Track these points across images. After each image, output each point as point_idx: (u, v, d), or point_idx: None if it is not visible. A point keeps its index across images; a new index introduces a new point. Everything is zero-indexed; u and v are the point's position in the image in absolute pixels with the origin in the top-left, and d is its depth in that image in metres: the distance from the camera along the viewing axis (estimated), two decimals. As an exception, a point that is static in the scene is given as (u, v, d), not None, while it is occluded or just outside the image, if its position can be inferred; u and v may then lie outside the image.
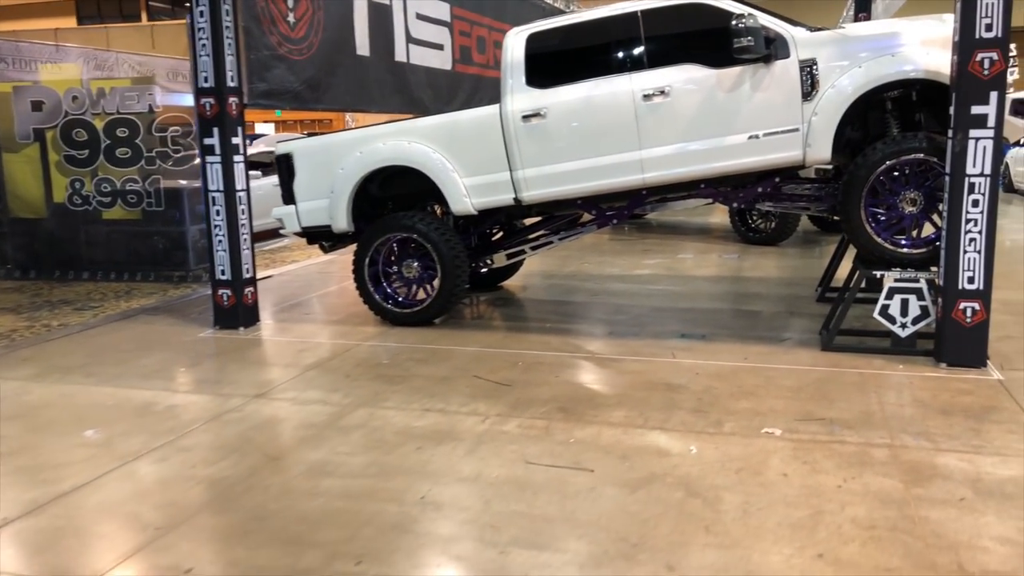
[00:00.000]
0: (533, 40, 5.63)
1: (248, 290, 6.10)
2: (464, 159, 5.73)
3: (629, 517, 3.01)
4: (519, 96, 5.58)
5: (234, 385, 4.75)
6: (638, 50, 5.39)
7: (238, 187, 5.95)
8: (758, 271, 7.93)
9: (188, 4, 5.85)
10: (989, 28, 4.29)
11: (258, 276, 8.11)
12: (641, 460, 3.50)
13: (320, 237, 6.38)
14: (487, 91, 9.59)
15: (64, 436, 3.99)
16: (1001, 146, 4.43)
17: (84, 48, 10.39)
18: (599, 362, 5.04)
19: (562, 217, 6.25)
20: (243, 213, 6.01)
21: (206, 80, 5.82)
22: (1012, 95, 14.44)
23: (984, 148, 4.37)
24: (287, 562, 2.79)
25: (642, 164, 5.36)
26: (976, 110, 4.35)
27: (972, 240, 4.46)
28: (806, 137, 5.04)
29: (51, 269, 8.58)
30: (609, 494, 3.20)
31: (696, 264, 8.44)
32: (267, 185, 9.27)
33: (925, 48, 4.83)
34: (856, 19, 9.25)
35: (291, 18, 6.54)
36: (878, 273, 4.96)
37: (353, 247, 6.14)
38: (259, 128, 25.48)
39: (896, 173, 4.96)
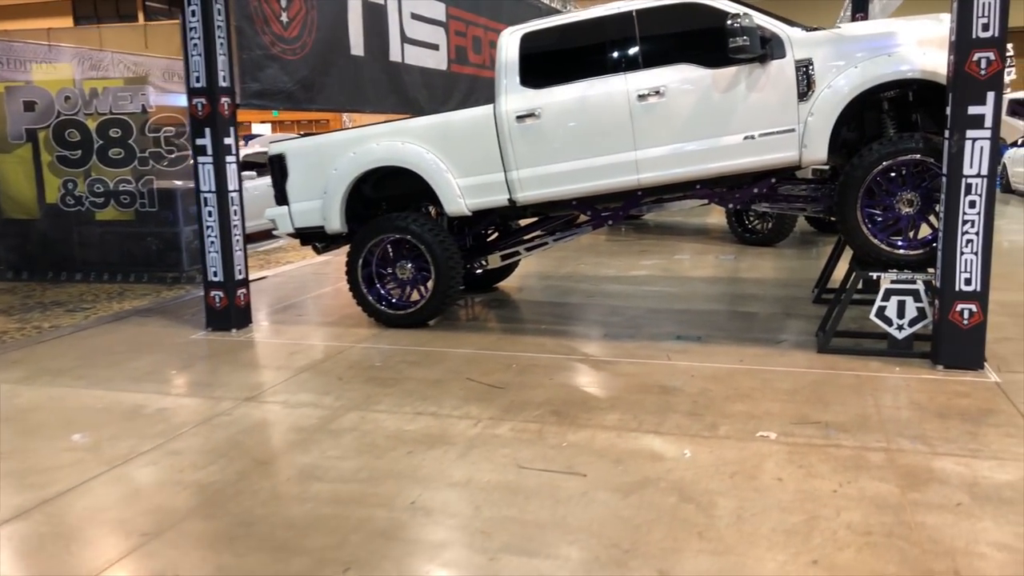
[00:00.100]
0: (527, 40, 5.59)
1: (240, 292, 6.06)
2: (458, 160, 5.69)
3: (622, 523, 2.97)
4: (513, 96, 5.54)
5: (225, 388, 4.70)
6: (633, 50, 5.35)
7: (230, 188, 5.91)
8: (755, 272, 7.90)
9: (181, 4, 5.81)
10: (986, 28, 4.26)
11: (252, 277, 8.09)
12: (635, 464, 3.46)
13: (313, 238, 6.33)
14: (483, 91, 9.55)
15: (52, 440, 3.95)
16: (998, 147, 4.40)
17: (80, 48, 10.33)
18: (594, 364, 5.00)
19: (557, 218, 6.21)
20: (235, 214, 5.97)
21: (198, 80, 5.78)
22: (1009, 95, 14.44)
23: (981, 149, 4.33)
24: (274, 569, 2.75)
25: (637, 165, 5.32)
26: (973, 110, 4.31)
27: (969, 241, 4.43)
28: (802, 138, 5.00)
29: (44, 270, 8.53)
30: (602, 499, 3.16)
31: (692, 265, 8.41)
32: (262, 186, 9.22)
33: (922, 48, 4.80)
34: (853, 19, 9.24)
35: (284, 18, 6.50)
36: (874, 274, 4.93)
37: (347, 248, 6.10)
38: (256, 128, 25.44)
39: (893, 174, 4.93)
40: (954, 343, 4.55)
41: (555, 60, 5.64)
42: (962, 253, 4.44)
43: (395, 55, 8.28)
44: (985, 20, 4.26)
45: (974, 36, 4.27)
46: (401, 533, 2.95)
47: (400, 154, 5.78)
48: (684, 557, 2.74)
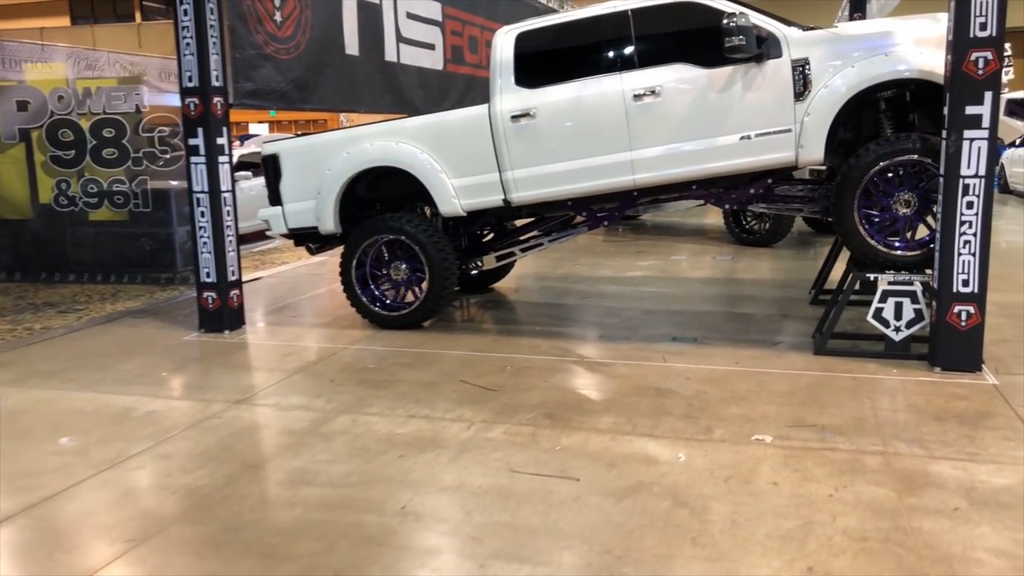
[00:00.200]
0: (522, 39, 5.55)
1: (233, 293, 6.01)
2: (452, 160, 5.65)
3: (614, 528, 2.93)
4: (508, 96, 5.49)
5: (216, 390, 4.66)
6: (628, 49, 5.31)
7: (223, 188, 5.86)
8: (752, 273, 7.86)
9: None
10: (983, 27, 4.22)
11: (247, 278, 8.06)
12: (628, 468, 3.42)
13: (307, 239, 6.29)
14: (479, 91, 9.50)
15: (39, 443, 3.90)
16: (996, 147, 4.36)
17: (75, 48, 10.28)
18: (589, 366, 4.96)
19: (553, 219, 6.17)
20: (228, 215, 5.93)
21: (191, 79, 5.74)
22: (1007, 95, 14.42)
23: (979, 149, 4.30)
24: (260, 576, 2.70)
25: (633, 165, 5.28)
26: (971, 110, 4.27)
27: (967, 242, 4.39)
28: (798, 138, 4.96)
29: (37, 271, 8.48)
30: (594, 504, 3.12)
31: (689, 266, 8.37)
32: (257, 186, 9.18)
33: (919, 47, 4.76)
34: (851, 19, 9.19)
35: (278, 17, 6.45)
36: (872, 276, 4.89)
37: (341, 249, 6.06)
38: (253, 128, 25.38)
39: (890, 174, 4.89)
40: (952, 345, 4.51)
41: (550, 60, 5.60)
42: (960, 254, 4.41)
43: (390, 55, 8.23)
44: (983, 19, 4.22)
45: (972, 35, 4.23)
46: (390, 539, 2.91)
47: (394, 154, 5.74)
48: (677, 564, 2.70)
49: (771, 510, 3.02)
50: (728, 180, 5.37)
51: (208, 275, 5.93)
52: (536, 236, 6.19)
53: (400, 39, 8.41)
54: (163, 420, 4.17)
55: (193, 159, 5.81)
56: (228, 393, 4.58)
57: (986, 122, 4.27)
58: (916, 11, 5.32)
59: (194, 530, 3.02)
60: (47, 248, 8.45)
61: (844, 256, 5.73)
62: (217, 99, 5.79)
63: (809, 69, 4.90)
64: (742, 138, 5.06)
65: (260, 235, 9.37)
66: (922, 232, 4.98)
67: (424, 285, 5.83)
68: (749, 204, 5.77)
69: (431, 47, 9.09)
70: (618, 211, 5.81)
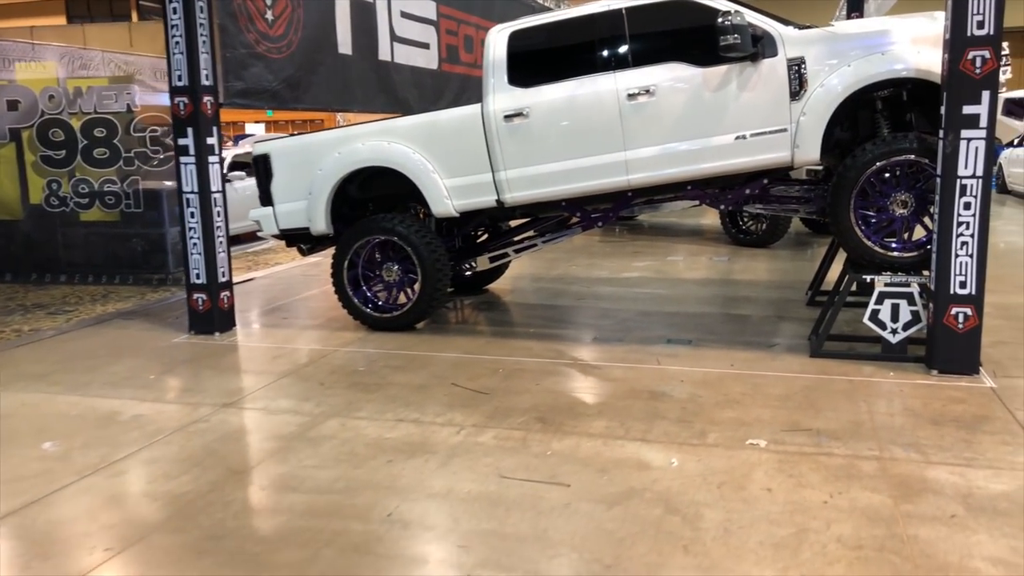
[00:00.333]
0: (516, 38, 5.49)
1: (224, 294, 5.95)
2: (445, 160, 5.59)
3: (605, 536, 2.87)
4: (501, 95, 5.43)
5: (204, 393, 4.59)
6: (623, 48, 5.25)
7: (213, 189, 5.80)
8: (748, 274, 7.80)
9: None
10: (981, 25, 4.17)
11: (240, 279, 8.00)
12: (620, 474, 3.36)
13: (299, 239, 6.23)
14: (475, 91, 9.41)
15: (21, 448, 3.83)
16: (994, 147, 4.31)
17: (69, 47, 10.20)
18: (582, 369, 4.90)
19: (547, 219, 6.11)
20: (218, 215, 5.86)
21: (180, 79, 5.67)
22: (1005, 95, 14.38)
23: (976, 149, 4.24)
24: (242, 586, 2.64)
25: (627, 165, 5.22)
26: (968, 110, 4.22)
27: (964, 244, 4.33)
28: (794, 138, 4.91)
29: (27, 272, 8.40)
30: (585, 510, 3.06)
31: (686, 267, 8.32)
32: (251, 186, 9.09)
33: (916, 46, 4.70)
34: (849, 17, 9.13)
35: (269, 16, 6.39)
36: (868, 277, 4.83)
37: (334, 250, 5.99)
38: (248, 128, 25.31)
39: (886, 174, 4.84)
40: (949, 347, 4.45)
41: (544, 59, 5.54)
42: (957, 256, 4.35)
43: (384, 54, 8.18)
44: (980, 17, 4.16)
45: (969, 34, 4.18)
46: (376, 547, 2.84)
47: (386, 154, 5.68)
48: (668, 573, 2.64)
49: (765, 517, 2.97)
50: (723, 180, 5.32)
51: (198, 276, 5.86)
52: (530, 237, 6.13)
53: (394, 38, 8.35)
54: (149, 424, 4.11)
55: (183, 159, 5.75)
56: (216, 396, 4.52)
57: (983, 122, 4.21)
58: (913, 10, 5.26)
59: (176, 538, 2.96)
60: (38, 249, 8.38)
61: (841, 257, 5.68)
62: (207, 98, 5.73)
63: (805, 68, 4.85)
64: (737, 138, 5.00)
65: (254, 236, 9.31)
66: (919, 233, 4.92)
67: (416, 286, 5.76)
68: (745, 205, 5.71)
69: (426, 46, 9.03)
70: (613, 212, 5.75)
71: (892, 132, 5.00)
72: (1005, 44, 4.49)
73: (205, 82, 5.69)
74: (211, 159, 5.79)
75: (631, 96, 5.13)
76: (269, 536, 2.97)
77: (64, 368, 5.16)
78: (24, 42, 8.46)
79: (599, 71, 5.25)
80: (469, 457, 3.57)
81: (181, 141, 5.74)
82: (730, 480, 3.27)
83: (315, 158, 5.86)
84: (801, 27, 5.06)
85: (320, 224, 5.88)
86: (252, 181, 9.20)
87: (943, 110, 4.29)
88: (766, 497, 3.12)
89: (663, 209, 6.32)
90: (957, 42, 4.20)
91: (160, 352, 5.50)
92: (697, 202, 5.69)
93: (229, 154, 10.87)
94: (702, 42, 4.92)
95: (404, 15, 8.52)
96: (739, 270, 8.01)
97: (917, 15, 4.90)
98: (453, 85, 9.62)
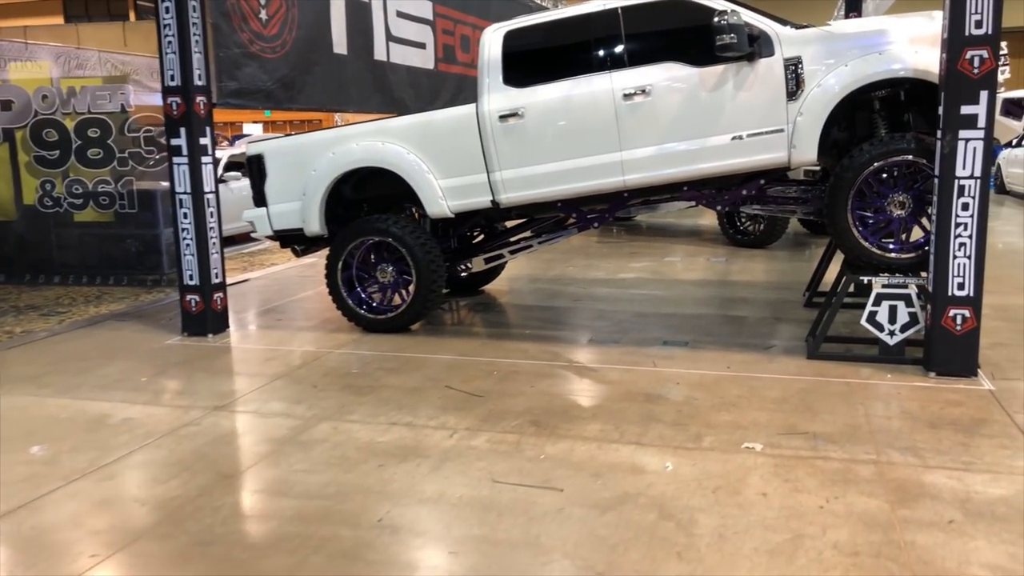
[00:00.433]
0: (511, 38, 5.45)
1: (217, 295, 5.90)
2: (440, 160, 5.54)
3: (597, 542, 2.83)
4: (496, 95, 5.39)
5: (195, 396, 4.55)
6: (618, 48, 5.22)
7: (206, 189, 5.75)
8: (745, 275, 7.77)
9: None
10: (979, 25, 4.13)
11: (235, 280, 7.96)
12: (614, 478, 3.32)
13: (293, 240, 6.19)
14: (471, 91, 9.35)
15: (9, 452, 3.78)
16: (992, 147, 4.27)
17: (65, 47, 10.15)
18: (577, 371, 4.86)
19: (543, 220, 6.07)
20: (211, 216, 5.82)
21: (173, 79, 5.63)
22: (1003, 94, 14.34)
23: (974, 149, 4.20)
24: (228, 593, 2.60)
25: (623, 166, 5.18)
26: (966, 110, 4.18)
27: (962, 245, 4.30)
28: (791, 138, 4.87)
29: (21, 273, 8.35)
30: (578, 516, 3.02)
31: (683, 268, 8.28)
32: (247, 186, 9.03)
33: (913, 46, 4.67)
34: (847, 17, 9.11)
35: (263, 15, 6.34)
36: (865, 278, 4.79)
37: (328, 251, 5.95)
38: (246, 128, 25.25)
39: (884, 175, 4.81)
40: (947, 349, 4.42)
41: (539, 58, 5.50)
42: (955, 257, 4.31)
43: (380, 54, 8.13)
44: (978, 17, 4.13)
45: (967, 33, 4.14)
46: (365, 554, 2.80)
47: (380, 154, 5.63)
48: (661, 580, 2.60)
49: (760, 523, 2.93)
50: (720, 181, 5.28)
51: (191, 278, 5.82)
52: (526, 238, 6.09)
53: (390, 38, 8.31)
54: (139, 427, 4.06)
55: (175, 159, 5.70)
56: (207, 399, 4.47)
57: (982, 122, 4.18)
58: (911, 9, 5.23)
59: (163, 544, 2.92)
60: (31, 250, 8.33)
61: (839, 258, 5.65)
62: (200, 98, 5.68)
63: (802, 68, 4.81)
64: (734, 138, 4.96)
65: (249, 236, 9.26)
66: (917, 234, 4.89)
67: (411, 288, 5.72)
68: (741, 205, 5.68)
69: (422, 46, 8.98)
70: (608, 212, 5.71)
71: (890, 132, 4.96)
72: (1003, 44, 4.44)
73: (198, 82, 5.65)
74: (204, 159, 5.74)
75: (627, 96, 5.09)
76: (257, 542, 2.93)
77: (55, 370, 5.11)
78: (18, 42, 8.41)
79: (595, 71, 5.21)
80: (462, 461, 3.53)
81: (174, 141, 5.69)
82: (725, 485, 3.23)
83: (309, 159, 5.82)
84: (798, 26, 5.02)
85: (314, 225, 5.84)
86: (248, 181, 9.18)
87: (941, 110, 4.26)
88: (761, 502, 3.08)
89: (660, 210, 6.29)
90: (955, 42, 4.17)
91: (152, 354, 5.45)
92: (693, 203, 5.65)
93: (225, 154, 10.83)
94: (698, 42, 4.88)
95: (400, 15, 8.47)
96: (736, 271, 7.97)
97: (915, 15, 4.86)
98: (450, 85, 9.57)
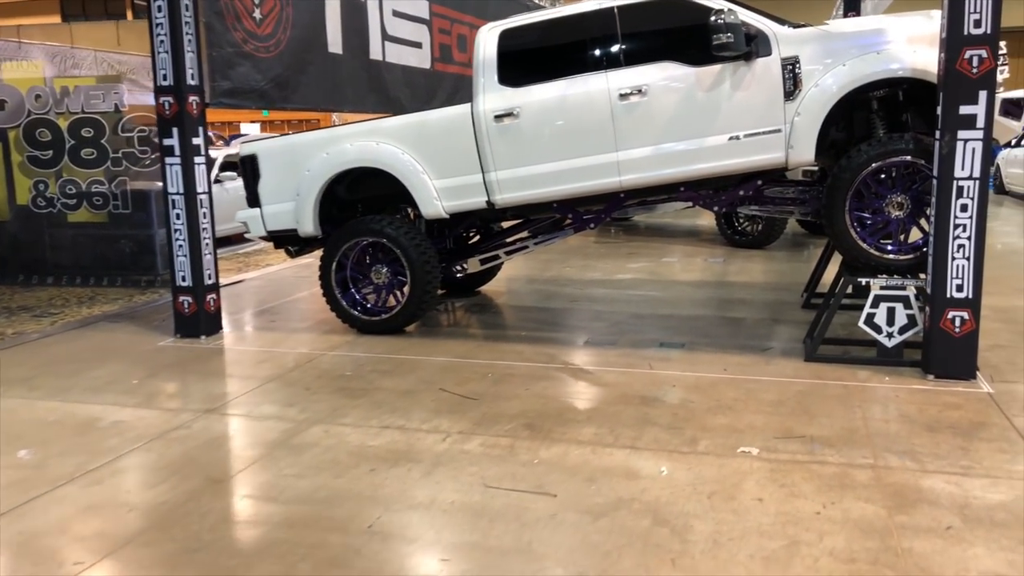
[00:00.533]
0: (506, 37, 5.40)
1: (210, 297, 5.85)
2: (434, 160, 5.50)
3: (590, 549, 2.79)
4: (491, 95, 5.35)
5: (186, 399, 4.51)
6: (614, 47, 5.17)
7: (199, 190, 5.70)
8: (743, 275, 7.72)
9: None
10: (978, 24, 4.09)
11: (229, 281, 7.91)
12: (608, 483, 3.28)
13: (286, 241, 6.14)
14: (468, 91, 9.31)
15: (-3, 456, 3.74)
16: (991, 148, 4.22)
17: (61, 46, 10.09)
18: (573, 373, 4.82)
19: (539, 221, 6.02)
20: (204, 217, 5.76)
21: (165, 78, 5.57)
22: (1002, 95, 14.30)
23: (973, 150, 4.16)
24: (214, 602, 2.55)
25: (619, 166, 5.14)
26: (965, 110, 4.14)
27: (961, 246, 4.25)
28: (788, 138, 4.83)
29: (14, 274, 8.29)
30: (571, 521, 2.97)
31: (680, 268, 8.23)
32: (243, 187, 8.99)
33: (912, 46, 4.62)
34: (846, 17, 9.06)
35: (257, 14, 6.30)
36: (863, 280, 4.75)
37: (321, 252, 5.90)
38: (244, 127, 25.18)
39: (882, 176, 4.76)
40: (945, 352, 4.37)
41: (534, 58, 5.46)
42: (953, 258, 4.27)
43: (375, 53, 8.08)
44: (977, 16, 4.09)
45: (966, 33, 4.10)
46: (354, 561, 2.76)
47: (374, 155, 5.59)
48: (655, 588, 2.55)
49: (755, 529, 2.88)
50: (717, 182, 5.24)
51: (184, 279, 5.77)
52: (522, 239, 6.04)
53: (386, 37, 8.26)
54: (129, 431, 4.02)
55: (168, 160, 5.65)
56: (199, 402, 4.43)
57: (981, 122, 4.13)
58: (910, 8, 5.19)
59: (149, 551, 2.87)
60: (24, 250, 8.27)
61: (837, 259, 5.60)
62: (193, 98, 5.63)
63: (799, 68, 4.77)
64: (731, 139, 4.92)
65: (244, 237, 9.19)
66: (915, 235, 4.85)
67: (406, 289, 5.67)
68: (739, 206, 5.63)
69: (418, 45, 8.94)
70: (605, 213, 5.67)
71: (888, 133, 4.92)
72: (1003, 43, 4.40)
73: (191, 81, 5.60)
74: (197, 160, 5.69)
75: (623, 96, 5.05)
76: (245, 549, 2.88)
77: (45, 372, 5.06)
78: (11, 41, 8.35)
79: (590, 70, 5.17)
80: (454, 466, 3.48)
81: (166, 141, 5.64)
82: (720, 490, 3.19)
83: (303, 159, 5.77)
84: (795, 26, 4.98)
85: (308, 226, 5.79)
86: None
87: (939, 110, 4.21)
88: (757, 508, 3.04)
89: (658, 210, 6.24)
90: (954, 41, 4.13)
91: (144, 356, 5.41)
92: (690, 204, 5.60)
93: (220, 154, 10.77)
94: (695, 41, 4.84)
95: (396, 14, 8.42)
96: (734, 272, 7.93)
97: (913, 14, 4.82)
98: (446, 85, 9.53)
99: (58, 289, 7.98)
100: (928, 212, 4.50)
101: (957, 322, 4.32)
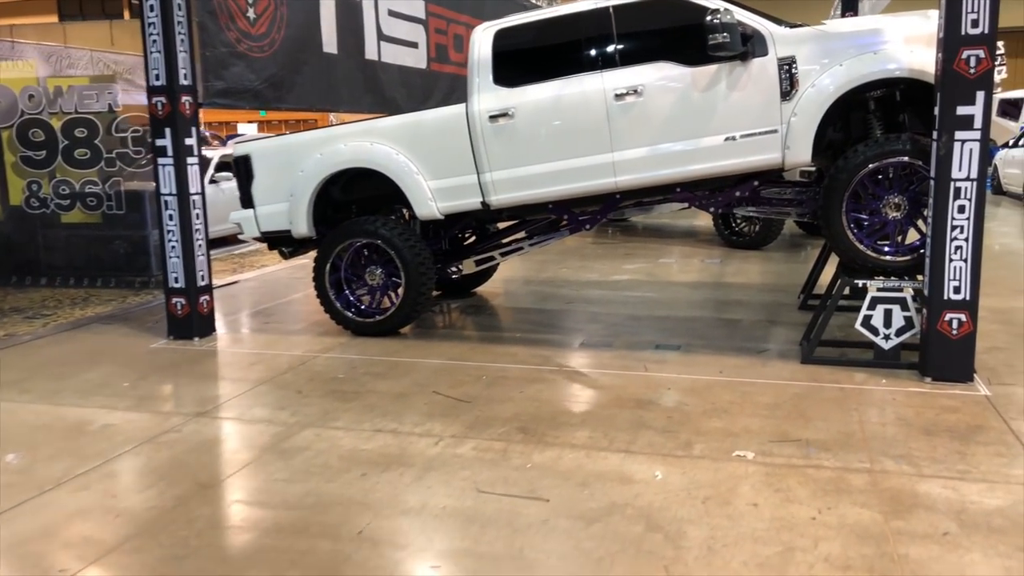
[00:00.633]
0: (501, 36, 5.37)
1: (203, 298, 5.81)
2: (429, 161, 5.46)
3: (582, 556, 2.75)
4: (486, 95, 5.31)
5: (177, 402, 4.47)
6: (610, 47, 5.13)
7: (192, 190, 5.66)
8: (740, 276, 7.69)
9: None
10: (975, 24, 4.05)
11: (225, 281, 7.87)
12: (601, 488, 3.24)
13: (280, 242, 6.09)
14: (464, 91, 9.29)
15: (-16, 460, 3.70)
16: (988, 149, 4.19)
17: (56, 46, 10.04)
18: (568, 376, 4.78)
19: (535, 221, 5.98)
20: (197, 218, 5.72)
21: (158, 78, 5.53)
22: (1000, 95, 14.28)
23: (971, 151, 4.13)
24: (200, 610, 2.52)
25: (614, 167, 5.10)
26: (962, 111, 4.11)
27: (958, 248, 4.22)
28: (785, 139, 4.79)
29: (7, 275, 8.23)
30: (563, 527, 2.94)
31: (677, 269, 8.20)
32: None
33: (909, 46, 4.59)
34: (844, 16, 9.02)
35: (251, 14, 6.26)
36: (860, 282, 4.71)
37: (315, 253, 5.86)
38: (241, 127, 25.13)
39: (879, 176, 4.73)
40: (943, 354, 4.34)
41: (529, 58, 5.43)
42: (951, 260, 4.24)
43: (371, 53, 8.04)
44: (975, 16, 4.05)
45: (963, 33, 4.07)
46: (343, 568, 2.72)
47: (368, 155, 5.55)
48: (647, 596, 2.52)
49: (750, 535, 2.85)
50: (713, 182, 5.20)
51: (176, 280, 5.73)
52: (518, 240, 6.00)
53: (381, 37, 8.22)
54: (118, 435, 3.97)
55: (161, 160, 5.61)
56: (189, 405, 4.39)
57: (978, 123, 4.10)
58: (908, 8, 5.15)
59: (134, 558, 2.83)
60: (18, 251, 8.22)
61: (834, 260, 5.56)
62: (186, 98, 5.59)
63: (796, 68, 4.73)
64: (727, 139, 4.88)
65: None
66: (913, 236, 4.81)
67: (400, 290, 5.64)
68: (735, 207, 5.60)
69: (414, 45, 8.90)
70: (601, 214, 5.63)
71: (885, 133, 4.88)
72: (1000, 44, 4.37)
73: (184, 82, 5.56)
74: (190, 160, 5.65)
75: (618, 96, 5.01)
76: (233, 556, 2.84)
77: (36, 375, 5.02)
78: (5, 40, 8.30)
79: (586, 71, 5.13)
80: (446, 470, 3.45)
81: (159, 142, 5.60)
82: (715, 495, 3.15)
83: (296, 159, 5.73)
84: (792, 25, 4.95)
85: (302, 227, 5.75)
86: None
87: (937, 111, 4.18)
88: (752, 513, 3.00)
89: (654, 211, 6.20)
90: (951, 41, 4.09)
91: (136, 358, 5.36)
92: (686, 204, 5.56)
93: (216, 154, 10.72)
94: (691, 41, 4.80)
95: (392, 14, 8.38)
96: (731, 272, 7.90)
97: (911, 14, 4.79)
98: (442, 85, 9.49)
99: (51, 290, 7.93)
100: (925, 213, 4.47)
101: (954, 324, 4.28)
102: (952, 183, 4.17)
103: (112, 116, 7.84)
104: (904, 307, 4.58)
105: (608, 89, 5.04)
